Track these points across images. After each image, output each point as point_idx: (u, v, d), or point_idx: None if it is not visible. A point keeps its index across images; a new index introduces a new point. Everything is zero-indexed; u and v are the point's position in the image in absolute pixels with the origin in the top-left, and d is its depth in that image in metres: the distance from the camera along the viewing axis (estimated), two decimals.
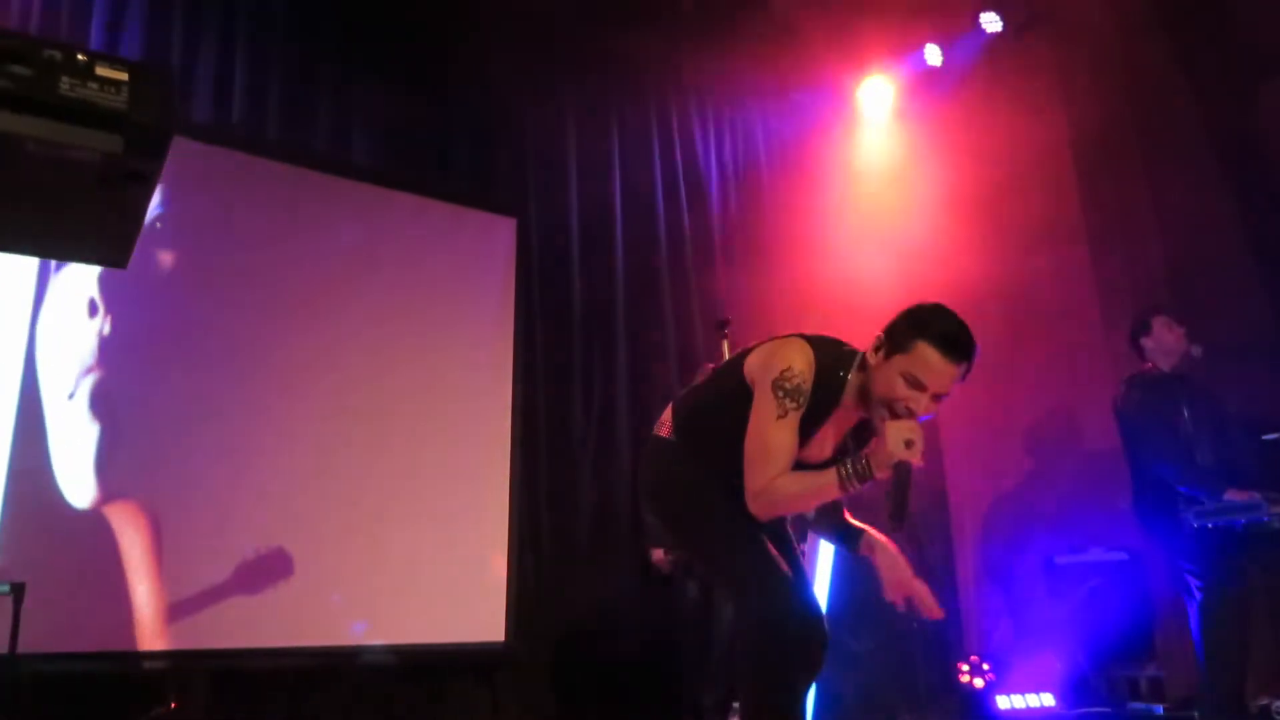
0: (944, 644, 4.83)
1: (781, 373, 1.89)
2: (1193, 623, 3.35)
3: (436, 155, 4.32)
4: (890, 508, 1.78)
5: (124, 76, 0.94)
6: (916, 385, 1.82)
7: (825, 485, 1.85)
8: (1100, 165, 4.95)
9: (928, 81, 5.48)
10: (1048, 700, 4.37)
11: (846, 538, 2.14)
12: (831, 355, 1.96)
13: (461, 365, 4.06)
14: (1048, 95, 5.06)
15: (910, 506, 1.78)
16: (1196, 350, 3.55)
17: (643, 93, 5.07)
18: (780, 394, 1.88)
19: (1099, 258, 4.91)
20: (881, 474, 1.79)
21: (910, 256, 5.11)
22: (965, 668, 4.57)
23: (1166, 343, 3.56)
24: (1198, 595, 3.32)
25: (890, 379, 1.85)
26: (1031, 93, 5.06)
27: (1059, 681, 4.47)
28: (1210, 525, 3.23)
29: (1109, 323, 4.74)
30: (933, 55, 5.38)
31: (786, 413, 1.87)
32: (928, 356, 1.82)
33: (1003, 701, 4.36)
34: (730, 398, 1.99)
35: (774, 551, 1.98)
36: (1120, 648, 4.34)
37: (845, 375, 1.95)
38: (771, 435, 1.88)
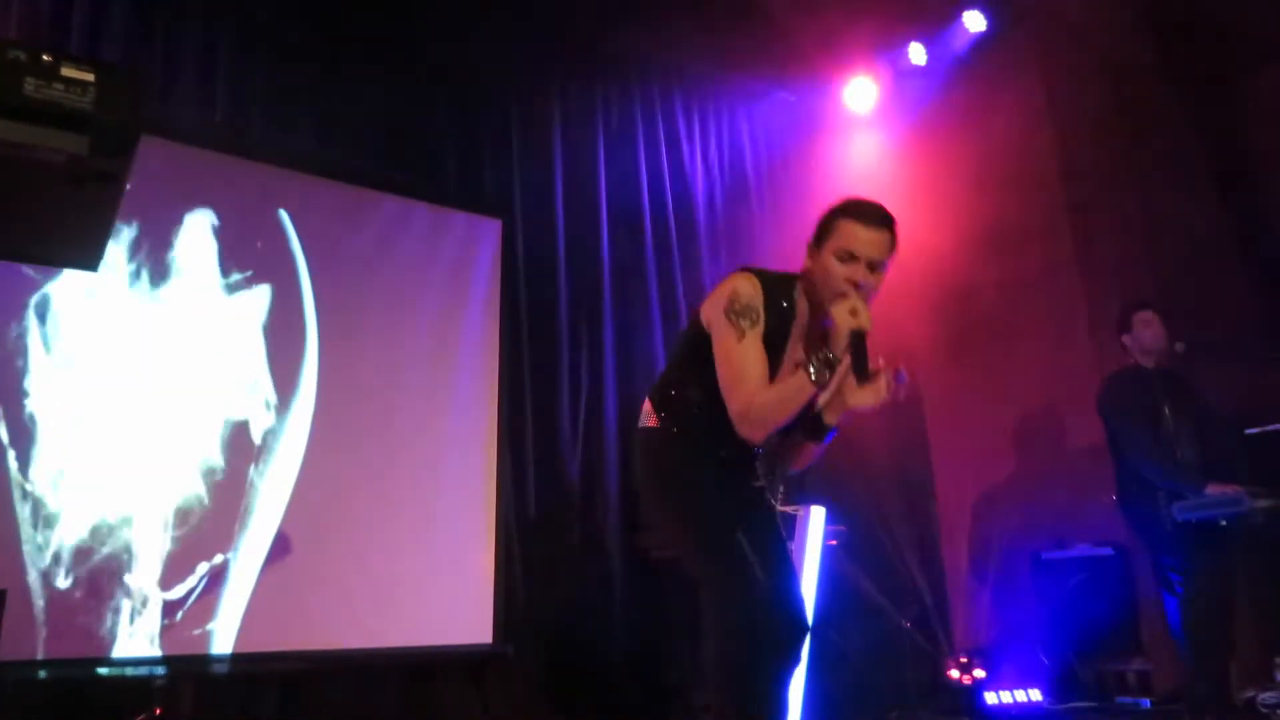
0: (932, 641, 4.84)
1: (729, 299, 1.99)
2: (1174, 617, 3.36)
3: (422, 157, 4.31)
4: (855, 373, 1.91)
5: (90, 77, 0.94)
6: (848, 258, 1.97)
7: (800, 385, 1.91)
8: (1085, 162, 4.97)
9: (912, 80, 5.50)
10: (1035, 696, 4.39)
11: (816, 425, 2.11)
12: (776, 277, 2.08)
13: (448, 367, 4.05)
14: (1032, 93, 5.08)
15: (869, 368, 1.91)
16: (1179, 346, 3.57)
17: (629, 91, 5.07)
18: (733, 317, 1.97)
19: (1084, 255, 4.93)
20: (843, 354, 1.88)
21: (896, 256, 5.11)
22: (953, 665, 4.58)
23: (1144, 340, 3.58)
24: (1180, 590, 3.34)
25: (826, 265, 1.99)
26: (1015, 91, 5.08)
27: (1046, 677, 4.49)
28: (1193, 520, 3.25)
29: (1095, 319, 4.76)
30: (917, 54, 5.40)
31: (744, 332, 1.96)
32: (850, 229, 1.99)
33: (991, 697, 4.38)
34: (696, 352, 2.06)
35: (754, 554, 1.98)
36: (1107, 642, 4.37)
37: (794, 291, 2.07)
38: (737, 356, 1.96)
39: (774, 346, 2.01)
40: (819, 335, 2.09)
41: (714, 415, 1.99)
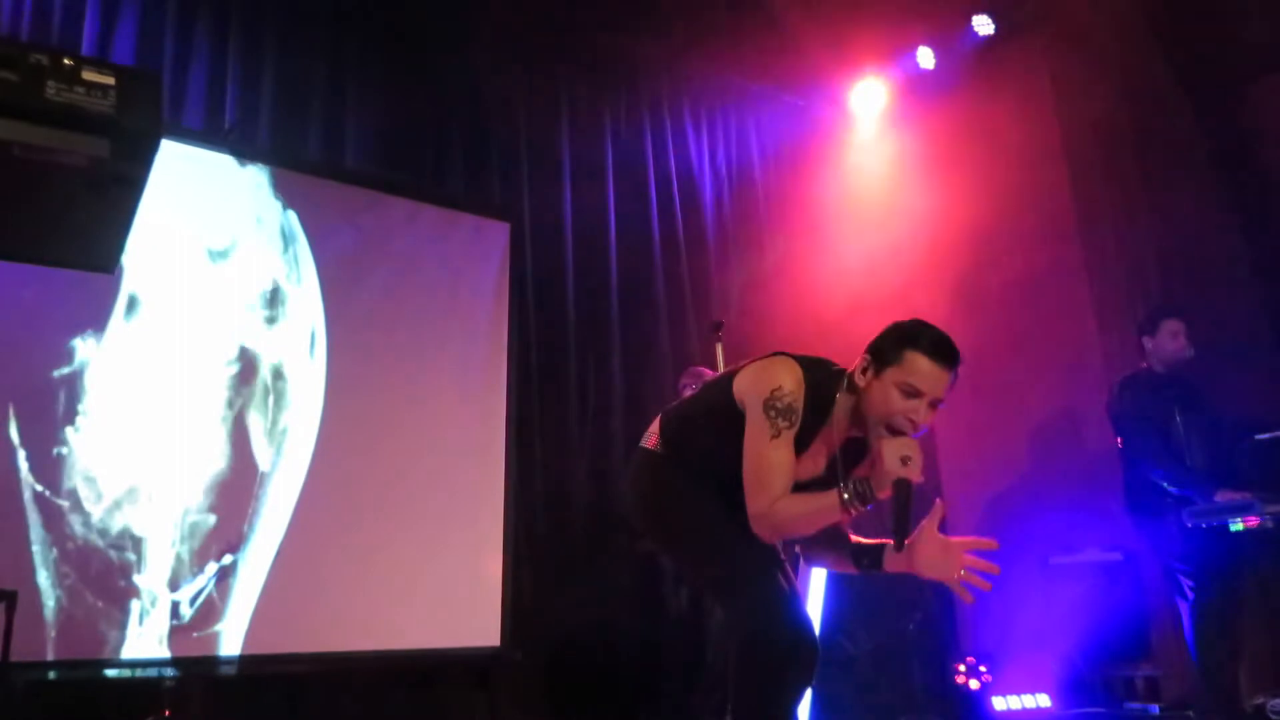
0: (940, 646, 4.83)
1: (772, 392, 1.89)
2: (1185, 623, 3.35)
3: (430, 159, 4.32)
4: (893, 526, 1.78)
5: (111, 81, 0.94)
6: (913, 394, 1.84)
7: (826, 507, 1.84)
8: (1093, 166, 4.96)
9: (921, 84, 5.49)
10: (1044, 701, 4.37)
11: (861, 557, 2.05)
12: (819, 373, 1.97)
13: (456, 369, 4.05)
14: (1040, 97, 5.07)
15: (911, 524, 1.77)
16: (1189, 351, 3.57)
17: (636, 96, 5.08)
18: (772, 414, 1.88)
19: (1093, 259, 4.92)
20: (882, 494, 1.78)
21: (904, 258, 5.12)
22: (961, 669, 4.56)
23: (1166, 350, 3.57)
24: (1190, 595, 3.32)
25: (885, 394, 1.86)
26: (1024, 95, 5.07)
27: (1055, 682, 4.48)
28: (1204, 525, 3.24)
29: (1103, 324, 4.75)
30: (925, 58, 5.40)
31: (780, 432, 1.87)
32: (919, 364, 1.84)
33: (999, 702, 4.36)
34: (718, 415, 2.00)
35: (757, 571, 1.97)
36: (1116, 648, 4.35)
37: (834, 393, 1.95)
38: (768, 456, 1.87)
39: (799, 442, 1.93)
40: (845, 440, 2.01)
41: (718, 467, 1.96)
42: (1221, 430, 3.58)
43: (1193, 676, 3.40)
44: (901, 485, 1.75)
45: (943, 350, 1.86)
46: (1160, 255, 4.71)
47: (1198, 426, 3.48)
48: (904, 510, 1.75)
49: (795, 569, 2.70)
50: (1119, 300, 4.72)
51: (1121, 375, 3.73)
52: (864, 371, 1.91)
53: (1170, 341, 3.57)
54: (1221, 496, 3.23)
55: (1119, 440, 3.59)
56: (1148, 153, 4.85)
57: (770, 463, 1.87)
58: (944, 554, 1.90)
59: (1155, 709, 4.13)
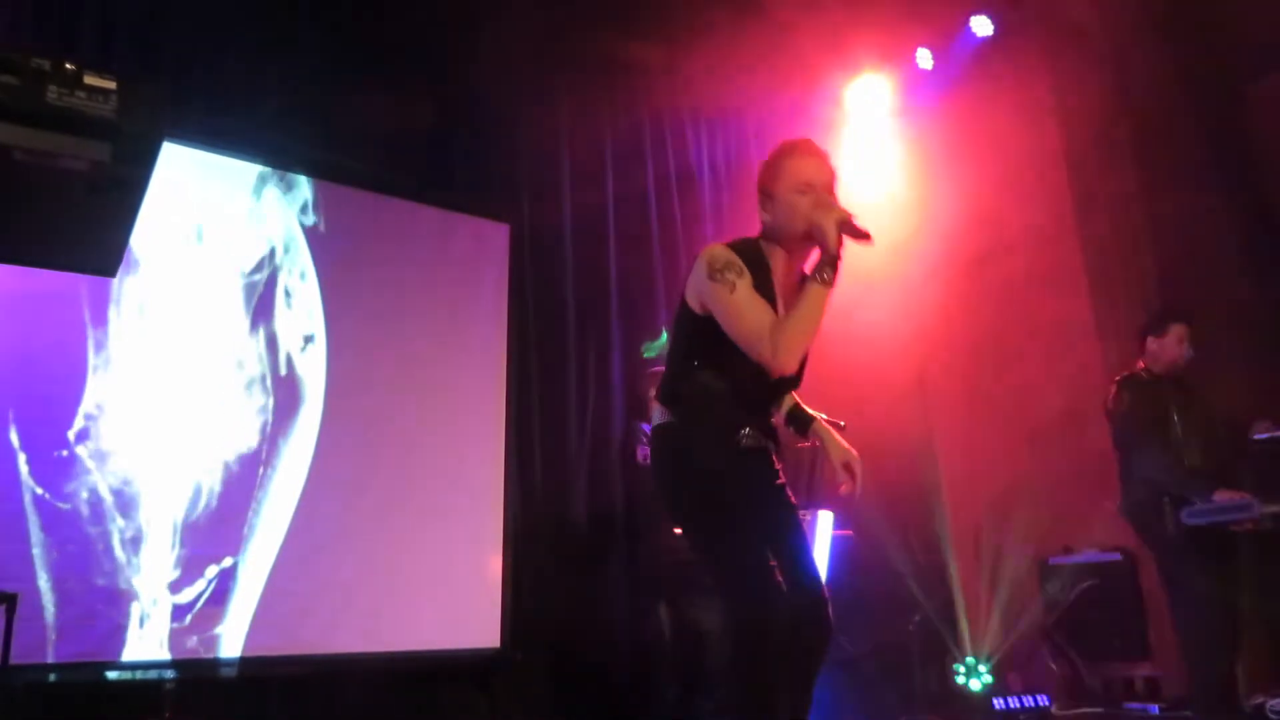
0: (940, 646, 4.83)
1: (708, 265, 2.06)
2: (1183, 623, 3.36)
3: (430, 161, 4.32)
4: (857, 239, 2.03)
5: (112, 85, 0.94)
6: (807, 190, 2.08)
7: (812, 299, 1.99)
8: (1092, 167, 4.97)
9: (920, 84, 5.50)
10: (1043, 701, 4.37)
11: (799, 422, 2.30)
12: (737, 242, 2.14)
13: (456, 370, 4.05)
14: (1039, 98, 5.08)
15: (868, 238, 2.03)
16: (1190, 354, 3.57)
17: (635, 95, 5.07)
18: (719, 277, 2.03)
19: (1092, 259, 4.93)
20: (837, 244, 2.00)
21: (902, 258, 5.12)
22: (961, 669, 4.57)
23: (1171, 353, 3.57)
24: (1187, 595, 3.33)
25: (790, 204, 2.09)
26: (1023, 95, 5.08)
27: (1054, 682, 4.48)
28: (1201, 525, 3.24)
29: (1102, 323, 4.76)
30: (924, 59, 5.40)
31: (734, 285, 2.02)
32: (796, 164, 2.11)
33: (999, 703, 4.37)
34: (694, 335, 2.12)
35: (771, 546, 2.01)
36: (1115, 648, 4.36)
37: (759, 249, 2.14)
38: (739, 304, 2.01)
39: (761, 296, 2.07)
40: (796, 288, 2.15)
41: (735, 392, 2.06)
42: (1219, 430, 3.58)
43: (1191, 675, 3.40)
44: (843, 224, 2.00)
45: (805, 145, 2.14)
46: (1160, 254, 4.72)
47: (1196, 426, 3.48)
48: (855, 233, 2.01)
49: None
50: (1118, 300, 4.73)
51: (1120, 375, 3.73)
52: (764, 208, 2.15)
53: (1176, 346, 3.57)
54: (1220, 496, 3.23)
55: (1117, 440, 3.59)
56: (1148, 152, 4.85)
57: (744, 307, 2.01)
58: (845, 455, 2.19)
59: (1155, 709, 4.13)
